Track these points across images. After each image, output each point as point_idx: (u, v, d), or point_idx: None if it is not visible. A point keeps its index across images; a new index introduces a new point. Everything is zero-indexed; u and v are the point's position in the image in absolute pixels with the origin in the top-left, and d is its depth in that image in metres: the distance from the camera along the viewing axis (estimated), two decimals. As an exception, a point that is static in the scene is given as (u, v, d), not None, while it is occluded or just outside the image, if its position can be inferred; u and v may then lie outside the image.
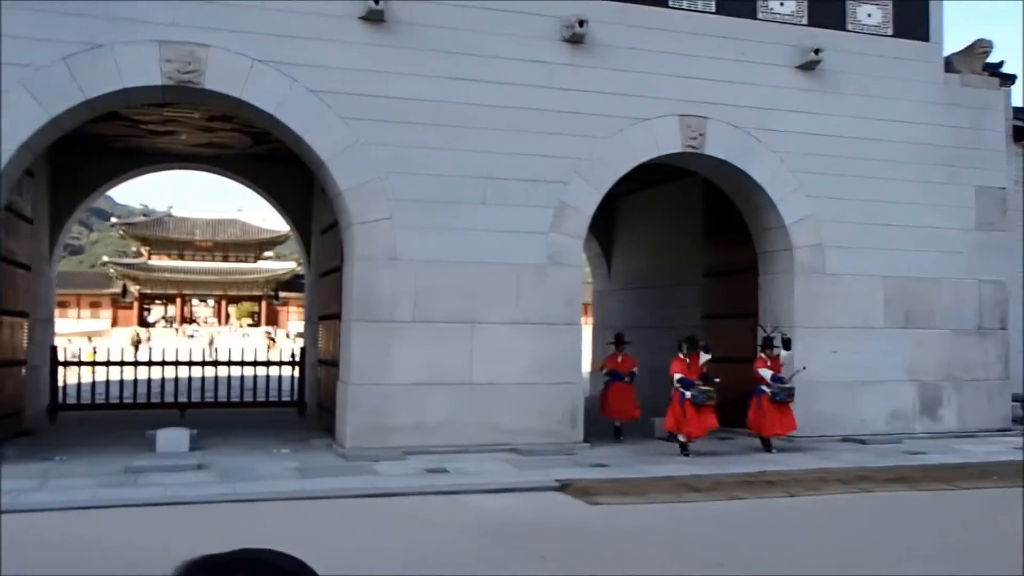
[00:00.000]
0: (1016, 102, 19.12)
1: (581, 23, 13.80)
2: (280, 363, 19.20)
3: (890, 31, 16.13)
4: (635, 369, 15.35)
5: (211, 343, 37.10)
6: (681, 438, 13.53)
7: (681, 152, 14.78)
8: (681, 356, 13.80)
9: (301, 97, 12.86)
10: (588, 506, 10.11)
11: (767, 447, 14.03)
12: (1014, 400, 17.24)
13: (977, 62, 16.93)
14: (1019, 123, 18.76)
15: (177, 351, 21.28)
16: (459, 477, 11.23)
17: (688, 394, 13.35)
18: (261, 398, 18.48)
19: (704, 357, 13.88)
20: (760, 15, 15.29)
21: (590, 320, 25.73)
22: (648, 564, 7.80)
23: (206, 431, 14.14)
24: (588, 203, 14.18)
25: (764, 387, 13.95)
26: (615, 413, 15.16)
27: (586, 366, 19.17)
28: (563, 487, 10.87)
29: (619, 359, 15.40)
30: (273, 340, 41.83)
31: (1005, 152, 17.23)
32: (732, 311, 16.93)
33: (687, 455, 13.31)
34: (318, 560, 1.53)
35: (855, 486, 11.54)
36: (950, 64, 16.70)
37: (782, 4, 15.42)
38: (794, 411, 13.99)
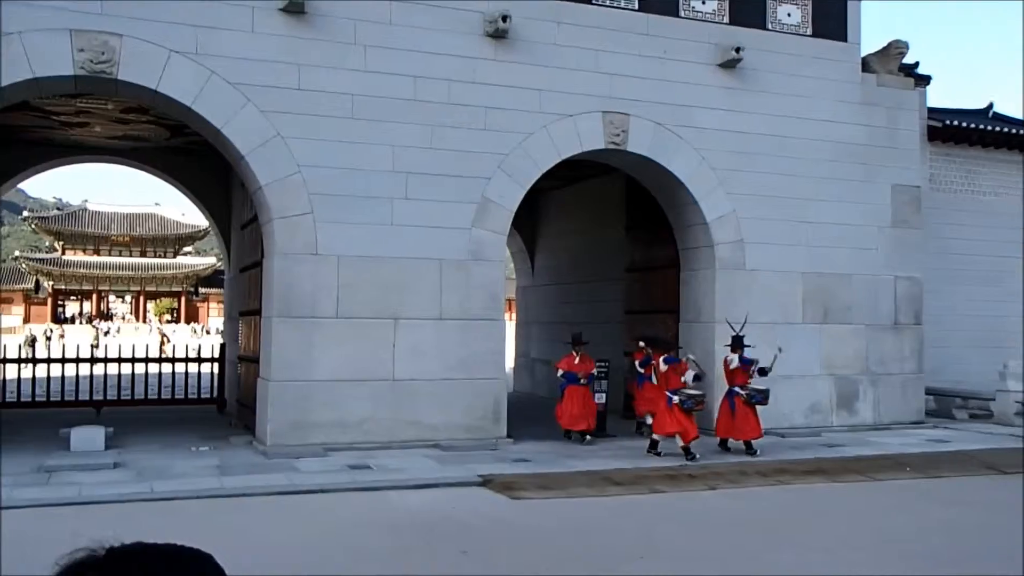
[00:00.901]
0: (930, 103, 19.60)
1: (504, 18, 13.75)
2: (200, 360, 18.78)
3: (809, 31, 16.41)
4: (594, 371, 14.49)
5: (163, 342, 35.94)
6: (679, 442, 12.79)
7: (604, 148, 14.84)
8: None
9: (219, 89, 12.57)
10: (510, 501, 10.09)
11: (750, 450, 13.31)
12: (927, 393, 17.72)
13: (893, 63, 17.32)
14: (933, 123, 19.28)
15: (93, 348, 20.68)
16: (381, 473, 11.11)
17: (676, 399, 12.75)
18: (180, 395, 18.05)
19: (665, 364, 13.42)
20: (682, 13, 15.41)
21: (513, 316, 25.78)
22: (568, 558, 7.80)
23: (123, 429, 13.77)
24: (511, 199, 14.15)
25: (738, 388, 13.46)
26: (570, 423, 14.13)
27: (509, 361, 19.17)
28: (485, 482, 10.84)
29: (576, 360, 14.43)
30: (166, 338, 40.68)
31: (919, 151, 17.67)
32: (654, 307, 17.06)
33: (693, 458, 12.62)
34: (235, 559, 1.45)
35: (774, 479, 11.72)
36: (867, 64, 17.05)
37: (704, 2, 15.56)
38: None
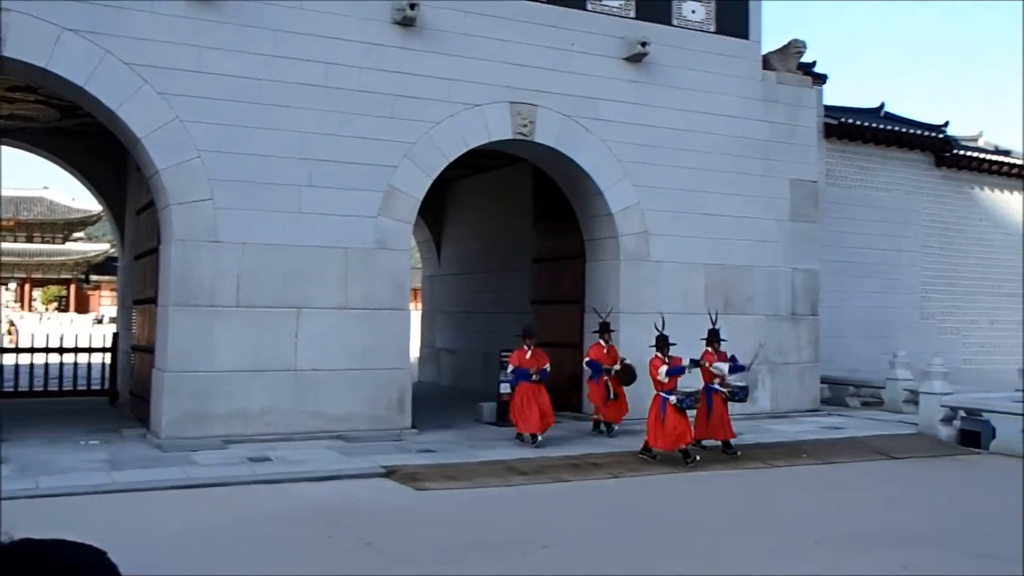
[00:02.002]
0: (826, 101, 20.14)
1: (412, 6, 13.60)
2: (90, 350, 18.09)
3: (713, 28, 16.69)
4: (547, 366, 13.19)
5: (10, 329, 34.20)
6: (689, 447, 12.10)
7: (511, 139, 14.83)
8: (659, 356, 12.44)
9: (114, 70, 12.09)
10: (414, 492, 10.03)
11: (729, 450, 12.76)
12: (822, 382, 18.25)
13: (792, 61, 17.75)
14: (829, 120, 19.83)
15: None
16: (282, 465, 10.88)
17: (673, 399, 11.95)
18: (69, 387, 17.36)
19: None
20: (589, 7, 15.50)
21: (419, 305, 25.65)
22: (473, 548, 7.77)
23: (6, 423, 13.17)
24: (418, 187, 14.01)
25: (717, 386, 12.78)
26: (526, 426, 13.00)
27: (414, 351, 19.05)
28: (389, 473, 10.74)
29: (528, 354, 13.26)
30: (13, 327, 38.88)
31: (816, 147, 18.16)
32: (560, 297, 17.15)
33: (692, 459, 11.98)
34: (129, 555, 1.33)
35: (676, 466, 11.90)
36: (767, 62, 17.45)
37: (611, -4, 15.70)
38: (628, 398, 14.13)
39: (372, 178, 13.55)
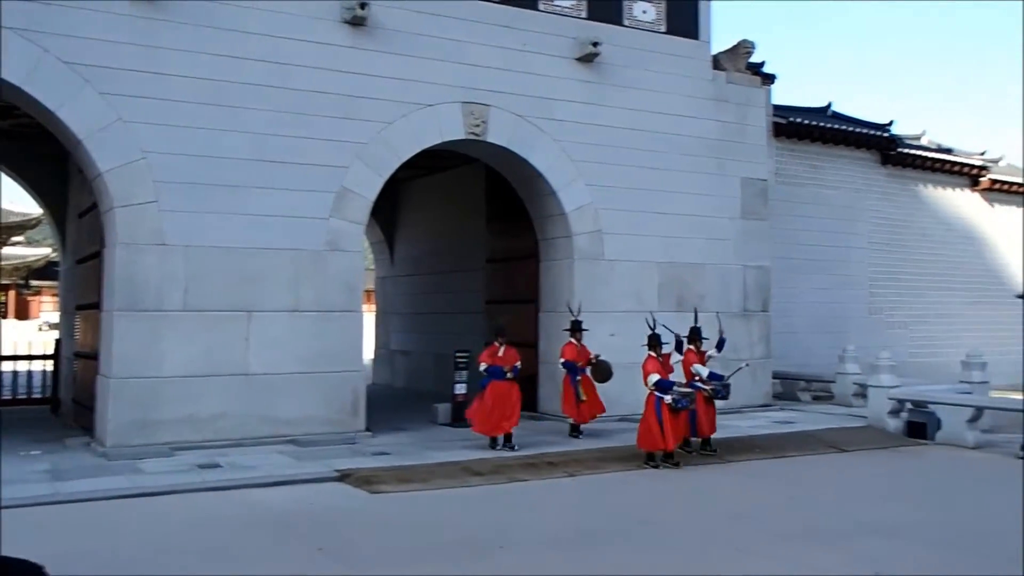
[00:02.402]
0: (775, 100, 20.34)
1: (362, 5, 13.45)
2: (31, 357, 17.63)
3: (664, 28, 16.76)
4: (518, 363, 12.84)
5: None
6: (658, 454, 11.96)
7: (464, 139, 14.75)
8: (652, 355, 12.18)
9: (54, 69, 11.76)
10: (369, 495, 9.91)
11: (708, 447, 12.72)
12: (774, 377, 18.43)
13: (741, 61, 17.91)
14: (779, 120, 20.03)
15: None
16: (233, 472, 10.65)
17: (668, 399, 11.70)
18: (8, 396, 16.89)
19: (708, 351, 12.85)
20: (541, 7, 15.48)
21: (372, 307, 25.45)
22: (429, 550, 7.68)
23: (-56, 434, 12.75)
24: (370, 188, 13.86)
25: (700, 384, 12.54)
26: (492, 427, 12.60)
27: (368, 353, 18.88)
28: (343, 477, 10.59)
29: (500, 352, 12.77)
30: None
31: (766, 146, 18.33)
32: (514, 297, 17.10)
33: (677, 464, 11.86)
34: (71, 568, 1.23)
35: (632, 464, 11.91)
36: (717, 62, 17.58)
37: (562, -3, 15.69)
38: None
39: (324, 179, 13.37)
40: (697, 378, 12.62)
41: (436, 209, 21.78)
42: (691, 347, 13.00)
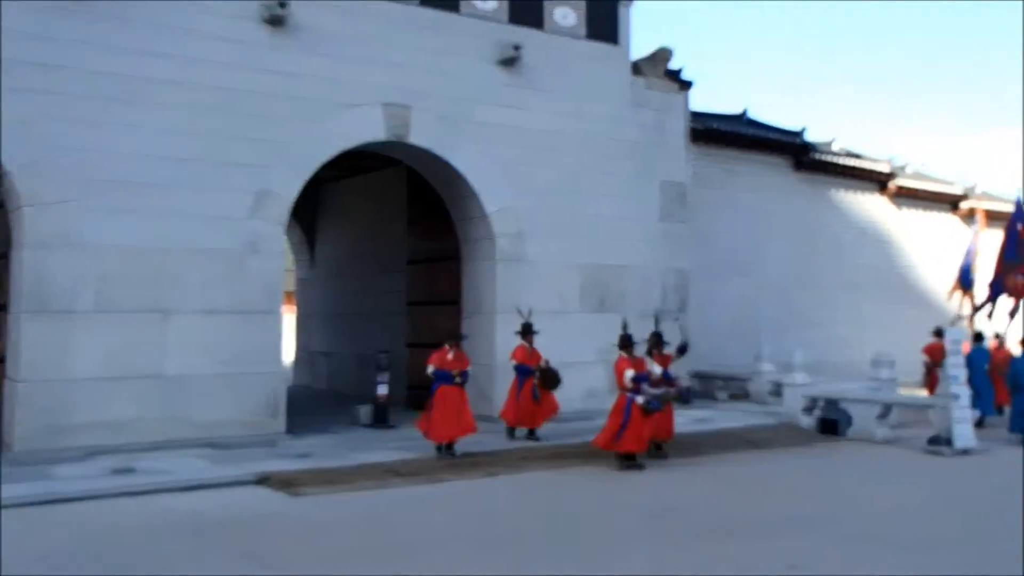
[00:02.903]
0: (693, 106, 20.67)
1: (282, 4, 13.33)
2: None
3: (584, 33, 16.96)
4: (469, 368, 12.56)
5: None
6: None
7: (386, 140, 14.73)
8: (624, 355, 12.09)
9: (-46, 64, 11.40)
10: (291, 498, 9.82)
11: (660, 451, 12.52)
12: (693, 376, 18.75)
13: (660, 67, 18.22)
14: (696, 125, 20.40)
15: None
16: (149, 476, 10.44)
17: (640, 400, 11.66)
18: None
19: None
20: (463, 10, 15.55)
21: (293, 308, 25.21)
22: (351, 554, 7.64)
23: None
24: (290, 189, 13.74)
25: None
26: (442, 434, 12.19)
27: (288, 355, 18.68)
28: (263, 480, 10.49)
29: (449, 355, 12.40)
30: None
31: (684, 150, 18.67)
32: (436, 298, 17.09)
33: (641, 467, 11.76)
34: None
35: (554, 463, 12.01)
36: (637, 68, 17.85)
37: (484, 1, 15.75)
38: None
39: (243, 179, 13.21)
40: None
41: (358, 210, 21.66)
42: (654, 351, 12.87)
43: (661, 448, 12.71)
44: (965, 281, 19.33)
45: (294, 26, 13.71)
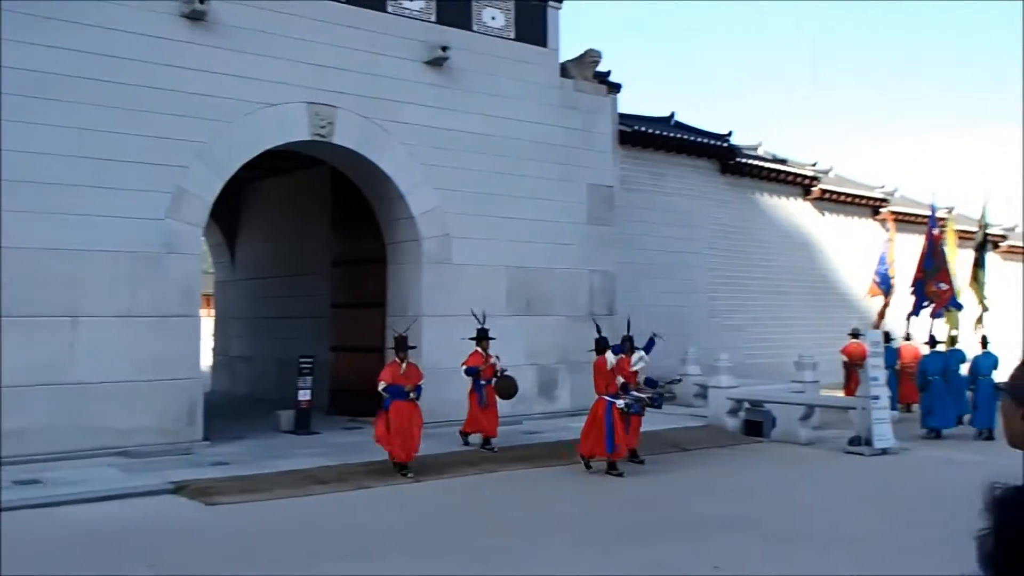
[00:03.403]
0: (621, 109, 20.75)
1: (202, 0, 12.99)
2: None
3: (512, 35, 16.90)
4: (422, 383, 11.74)
5: None
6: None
7: (310, 140, 14.47)
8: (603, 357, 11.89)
9: None
10: (206, 507, 9.59)
11: (612, 469, 11.85)
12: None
13: (588, 70, 18.25)
14: (624, 128, 20.49)
15: None
16: (57, 487, 10.06)
17: (620, 404, 11.47)
18: None
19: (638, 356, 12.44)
20: (390, 9, 15.36)
21: (211, 312, 24.71)
22: (268, 562, 7.47)
23: None
24: (209, 189, 13.41)
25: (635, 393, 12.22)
26: (400, 452, 11.41)
27: (206, 360, 18.29)
28: (179, 489, 10.21)
29: (401, 369, 11.64)
30: None
31: (612, 153, 18.73)
32: (361, 301, 16.86)
33: (620, 474, 11.60)
34: None
35: (480, 467, 11.94)
36: (565, 70, 17.85)
37: (411, 0, 15.58)
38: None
39: (160, 179, 12.84)
40: (633, 387, 12.30)
41: (280, 211, 21.29)
42: (623, 355, 12.66)
43: (637, 455, 12.56)
44: (884, 286, 19.71)
45: (214, 22, 13.39)
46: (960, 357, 16.56)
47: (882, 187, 29.33)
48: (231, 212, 22.25)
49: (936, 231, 17.55)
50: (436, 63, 15.64)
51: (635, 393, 11.85)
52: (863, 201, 28.41)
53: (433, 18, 15.83)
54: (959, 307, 17.08)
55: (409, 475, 11.31)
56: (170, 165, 12.93)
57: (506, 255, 16.40)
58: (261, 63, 13.79)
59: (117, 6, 12.58)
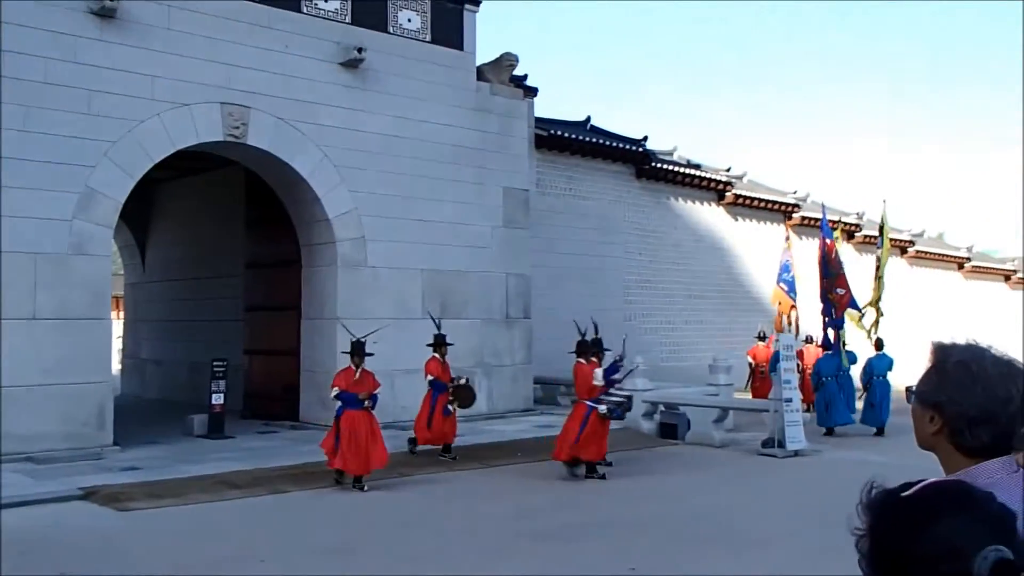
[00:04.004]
0: (537, 113, 20.93)
1: (111, -4, 12.77)
2: None
3: (428, 37, 16.94)
4: (377, 391, 11.21)
5: None
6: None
7: (223, 141, 14.32)
8: (583, 361, 11.81)
9: None
10: (117, 513, 9.42)
11: (592, 472, 11.75)
12: (535, 382, 18.97)
13: (505, 74, 18.39)
14: (540, 132, 20.69)
15: None
16: (-41, 495, 9.77)
17: (602, 409, 11.40)
18: None
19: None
20: (305, 9, 15.27)
21: (121, 314, 24.16)
22: (180, 569, 7.38)
23: None
24: (119, 189, 13.17)
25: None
26: (354, 467, 10.78)
27: (116, 363, 17.89)
28: (88, 495, 10.01)
29: (356, 376, 11.08)
30: None
31: (528, 157, 18.90)
32: (276, 304, 16.70)
33: (604, 477, 11.59)
34: None
35: (394, 471, 11.89)
36: (482, 74, 17.95)
37: (326, 1, 15.52)
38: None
39: (67, 178, 12.56)
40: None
41: (193, 212, 20.95)
42: (593, 359, 12.22)
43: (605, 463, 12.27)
44: (791, 292, 20.14)
45: (125, 20, 13.17)
46: (852, 359, 17.37)
47: (794, 192, 29.97)
48: (142, 213, 21.82)
49: (829, 240, 17.98)
50: (351, 65, 15.60)
51: (614, 397, 11.69)
52: (775, 206, 29.01)
53: (348, 19, 15.79)
54: (856, 308, 17.61)
55: (364, 487, 10.71)
56: (78, 165, 12.67)
57: (422, 258, 16.42)
58: (173, 62, 13.60)
59: (23, 3, 12.26)
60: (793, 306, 18.95)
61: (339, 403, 10.91)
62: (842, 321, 17.37)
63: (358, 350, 11.17)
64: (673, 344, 24.43)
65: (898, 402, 16.60)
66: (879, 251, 18.85)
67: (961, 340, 1.85)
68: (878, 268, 18.56)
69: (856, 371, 17.33)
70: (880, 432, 16.46)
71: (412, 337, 14.27)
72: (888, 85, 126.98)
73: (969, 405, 1.75)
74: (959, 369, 1.77)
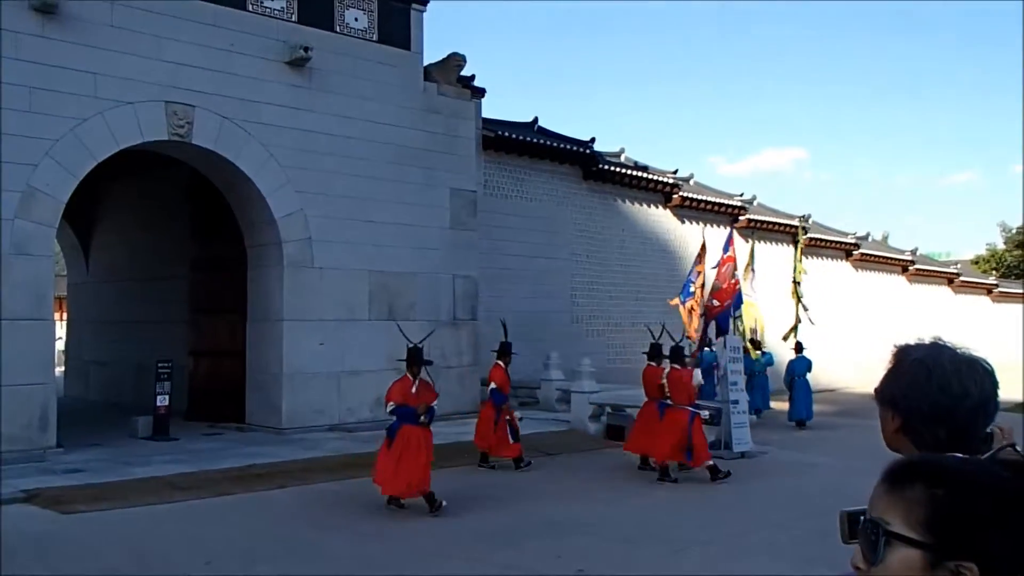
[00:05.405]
0: (485, 114, 20.97)
1: (53, -9, 12.59)
2: None
3: (375, 37, 16.92)
4: (435, 404, 10.12)
5: None
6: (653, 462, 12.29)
7: (167, 140, 14.18)
8: (500, 364, 12.54)
9: None
10: (60, 516, 9.33)
11: (665, 475, 12.13)
12: (482, 384, 19.00)
13: (452, 74, 18.42)
14: (487, 133, 20.74)
15: None
16: None
17: (705, 414, 12.00)
18: None
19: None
20: (250, 7, 15.17)
21: (64, 315, 23.74)
22: (125, 572, 7.33)
23: None
24: (62, 189, 12.99)
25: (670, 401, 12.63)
26: (400, 487, 9.76)
27: (60, 365, 17.62)
28: (30, 498, 9.90)
29: (413, 388, 9.97)
30: None
31: (475, 158, 18.96)
32: (221, 305, 16.56)
33: (675, 480, 11.97)
34: None
35: (341, 473, 11.91)
36: (429, 74, 17.96)
37: (272, -1, 15.46)
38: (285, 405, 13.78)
39: (7, 177, 12.36)
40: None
41: (137, 212, 20.66)
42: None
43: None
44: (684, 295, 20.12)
45: (67, 16, 12.98)
46: (768, 360, 19.33)
47: (740, 195, 30.31)
48: (87, 212, 21.45)
49: (725, 255, 18.20)
50: (298, 64, 15.52)
51: (710, 404, 13.06)
52: (722, 209, 29.24)
53: (294, 18, 15.72)
54: (739, 303, 17.89)
55: (404, 505, 9.87)
56: (18, 163, 12.47)
57: (368, 259, 16.39)
58: (117, 60, 13.44)
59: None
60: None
61: (394, 418, 9.85)
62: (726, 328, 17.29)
63: (415, 358, 9.98)
64: (619, 346, 24.58)
65: (821, 399, 17.46)
66: (797, 261, 19.66)
67: (926, 339, 1.86)
68: (795, 276, 19.31)
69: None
70: (801, 425, 18.50)
71: (359, 339, 14.26)
72: (838, 88, 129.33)
73: (923, 402, 1.75)
74: (915, 367, 1.79)
